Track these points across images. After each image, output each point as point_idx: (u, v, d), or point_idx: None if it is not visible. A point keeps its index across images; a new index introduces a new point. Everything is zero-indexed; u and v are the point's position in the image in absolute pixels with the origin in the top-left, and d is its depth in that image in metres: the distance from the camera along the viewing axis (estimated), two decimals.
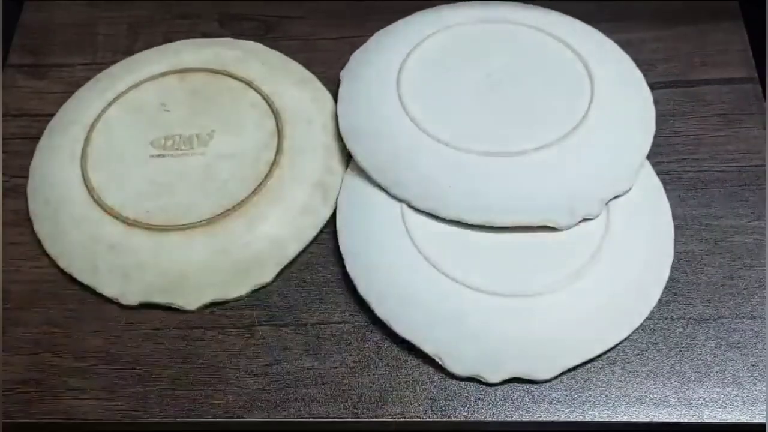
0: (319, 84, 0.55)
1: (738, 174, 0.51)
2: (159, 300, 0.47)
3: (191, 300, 0.47)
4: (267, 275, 0.48)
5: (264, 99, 0.53)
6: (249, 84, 0.53)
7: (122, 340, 0.46)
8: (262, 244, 0.48)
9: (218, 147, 0.51)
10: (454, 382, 0.44)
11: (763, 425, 0.43)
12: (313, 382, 0.45)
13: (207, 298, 0.47)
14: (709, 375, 0.44)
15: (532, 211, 0.46)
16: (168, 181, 0.50)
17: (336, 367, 0.45)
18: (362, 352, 0.46)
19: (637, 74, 0.53)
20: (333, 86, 0.54)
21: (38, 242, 0.50)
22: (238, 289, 0.47)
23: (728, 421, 0.43)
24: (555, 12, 0.56)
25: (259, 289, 0.48)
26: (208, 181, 0.49)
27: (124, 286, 0.47)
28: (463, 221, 0.47)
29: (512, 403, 0.44)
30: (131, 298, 0.47)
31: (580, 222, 0.47)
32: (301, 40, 0.57)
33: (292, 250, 0.48)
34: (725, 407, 0.43)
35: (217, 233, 0.47)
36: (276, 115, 0.52)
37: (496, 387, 0.44)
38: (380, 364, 0.45)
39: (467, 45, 0.53)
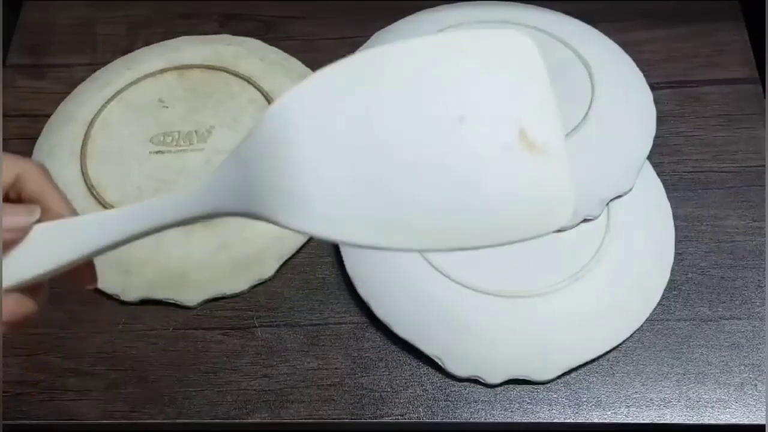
0: None
1: (739, 174, 0.51)
2: (159, 296, 0.47)
3: (192, 296, 0.47)
4: (267, 270, 0.48)
5: (263, 95, 0.53)
6: (248, 80, 0.53)
7: (122, 341, 0.46)
8: (262, 240, 0.48)
9: (217, 143, 0.51)
10: (454, 383, 0.44)
11: (763, 426, 0.43)
12: (313, 383, 0.45)
13: (207, 294, 0.47)
14: (709, 376, 0.44)
15: None
16: (167, 177, 0.50)
17: (336, 368, 0.45)
18: (362, 352, 0.46)
19: (638, 74, 0.53)
20: None
21: None
22: (239, 284, 0.47)
23: (728, 422, 0.43)
24: (555, 12, 0.55)
25: (259, 287, 0.48)
26: None
27: (124, 283, 0.47)
28: None
29: (512, 404, 0.44)
30: (132, 295, 0.47)
31: (580, 223, 0.47)
32: (301, 40, 0.57)
33: (292, 244, 0.48)
34: (725, 408, 0.43)
35: (217, 229, 0.47)
36: None
37: (496, 388, 0.44)
38: (380, 364, 0.45)
39: None
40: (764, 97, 0.54)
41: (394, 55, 0.28)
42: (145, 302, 0.47)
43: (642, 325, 0.45)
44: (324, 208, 0.27)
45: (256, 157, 0.28)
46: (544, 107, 0.28)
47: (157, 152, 0.51)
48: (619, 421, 0.43)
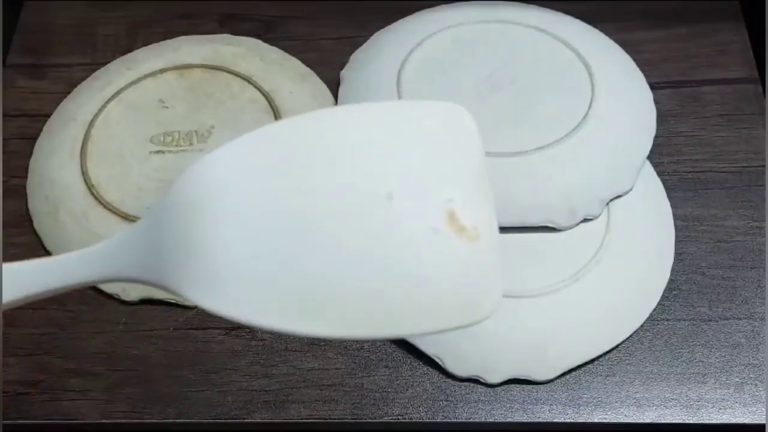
0: (318, 80, 0.55)
1: (739, 174, 0.51)
2: (160, 296, 0.47)
3: None
4: None
5: (263, 95, 0.53)
6: (248, 80, 0.53)
7: (122, 341, 0.46)
8: None
9: (217, 143, 0.51)
10: (454, 382, 0.44)
11: (763, 426, 0.43)
12: (313, 383, 0.45)
13: None
14: (709, 376, 0.44)
15: (532, 211, 0.46)
16: (167, 177, 0.49)
17: (336, 368, 0.45)
18: (362, 352, 0.46)
19: (638, 74, 0.53)
20: (333, 86, 0.54)
21: (38, 243, 0.49)
22: None
23: (728, 422, 0.43)
24: (555, 12, 0.55)
25: None
26: None
27: (124, 282, 0.47)
28: None
29: (512, 404, 0.44)
30: (132, 294, 0.47)
31: (580, 223, 0.47)
32: (301, 40, 0.57)
33: None
34: (725, 408, 0.43)
35: None
36: (275, 111, 0.52)
37: (496, 388, 0.44)
38: (380, 364, 0.45)
39: (467, 45, 0.53)
40: (764, 97, 0.54)
41: (324, 123, 0.26)
42: (146, 302, 0.47)
43: (642, 325, 0.45)
44: (234, 289, 0.25)
45: (167, 224, 0.26)
46: (476, 188, 0.26)
47: (158, 152, 0.51)
48: (619, 421, 0.43)
